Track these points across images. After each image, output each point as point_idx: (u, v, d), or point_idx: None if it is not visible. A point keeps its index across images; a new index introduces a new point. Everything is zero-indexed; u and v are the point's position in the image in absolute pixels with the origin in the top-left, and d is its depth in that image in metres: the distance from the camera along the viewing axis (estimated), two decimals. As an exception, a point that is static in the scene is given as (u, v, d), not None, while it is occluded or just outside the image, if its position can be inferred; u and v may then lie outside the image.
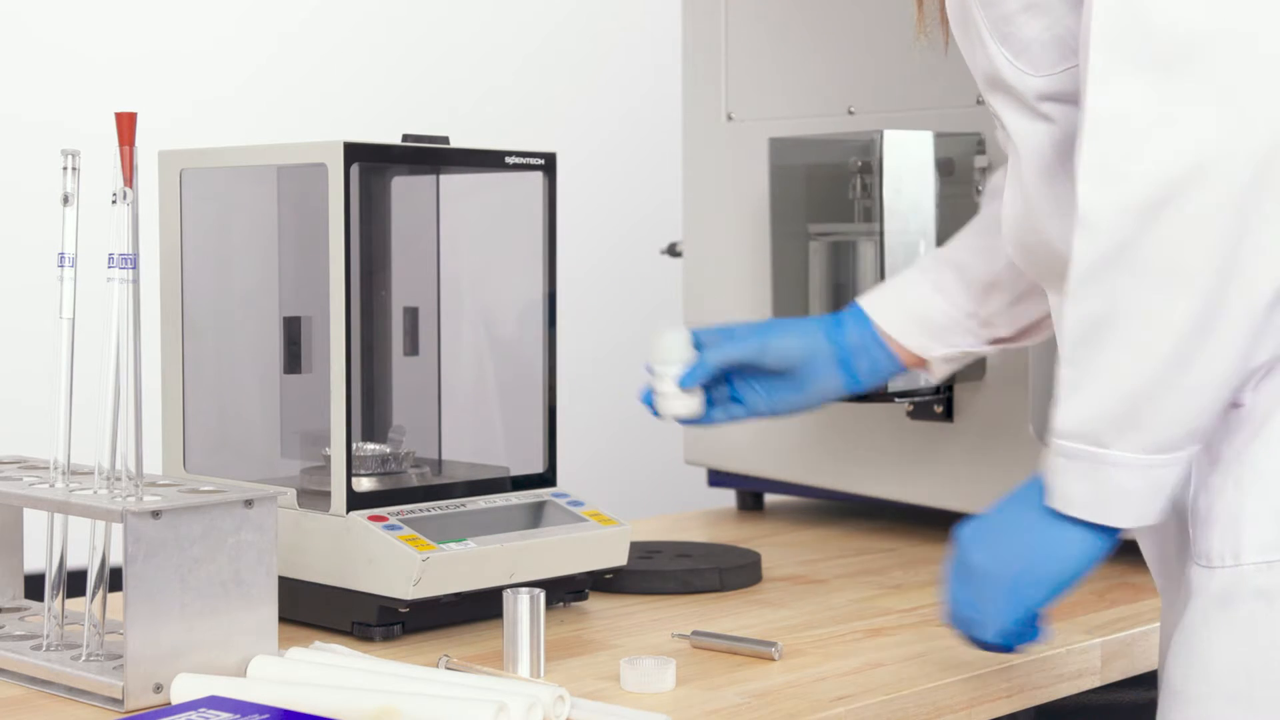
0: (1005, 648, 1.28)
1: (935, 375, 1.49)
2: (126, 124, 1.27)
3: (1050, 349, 1.32)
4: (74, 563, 1.34)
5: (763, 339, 1.48)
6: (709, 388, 1.49)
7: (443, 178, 1.65)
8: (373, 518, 1.43)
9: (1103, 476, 1.17)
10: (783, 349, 1.47)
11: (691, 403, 1.47)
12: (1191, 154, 1.08)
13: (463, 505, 1.50)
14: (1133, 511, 1.18)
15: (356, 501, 1.44)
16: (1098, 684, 1.48)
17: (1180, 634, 1.21)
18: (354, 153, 1.44)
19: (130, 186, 1.28)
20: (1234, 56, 1.08)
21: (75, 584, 1.34)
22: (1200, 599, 1.19)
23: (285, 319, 1.50)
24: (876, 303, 1.50)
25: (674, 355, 1.47)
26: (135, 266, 1.28)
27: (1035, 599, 1.24)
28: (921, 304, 1.48)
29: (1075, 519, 1.20)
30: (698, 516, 2.15)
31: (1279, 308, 1.13)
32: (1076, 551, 1.21)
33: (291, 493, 1.48)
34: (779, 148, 1.93)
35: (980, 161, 1.83)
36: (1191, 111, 1.08)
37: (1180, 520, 1.22)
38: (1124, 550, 1.63)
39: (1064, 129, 1.23)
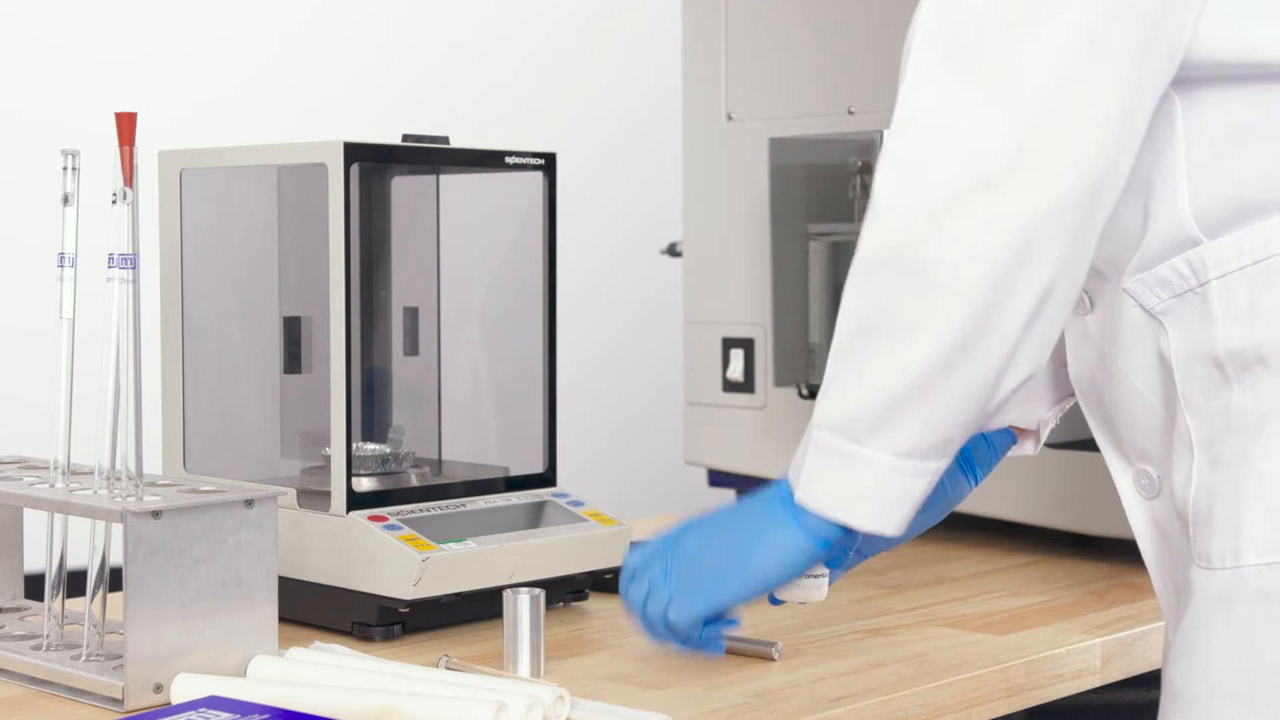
0: (686, 645, 1.26)
1: (1042, 440, 1.43)
2: (126, 124, 1.27)
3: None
4: (74, 563, 1.34)
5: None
6: None
7: (443, 178, 1.65)
8: (373, 518, 1.43)
9: (851, 472, 1.17)
10: None
11: (824, 586, 1.34)
12: (986, 168, 1.09)
13: (463, 505, 1.50)
14: (875, 514, 1.17)
15: (356, 501, 1.44)
16: (1098, 684, 1.48)
17: (1181, 635, 1.20)
18: (354, 153, 1.44)
19: (130, 186, 1.28)
20: (1037, 79, 1.09)
21: (75, 584, 1.34)
22: (1200, 600, 1.19)
23: (285, 319, 1.50)
24: None
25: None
26: (135, 266, 1.28)
27: (738, 593, 1.22)
28: None
29: (797, 520, 1.19)
30: (698, 516, 2.15)
31: (1037, 324, 1.14)
32: (792, 550, 1.21)
33: (291, 493, 1.48)
34: (779, 148, 1.93)
35: (980, 161, 1.83)
36: (992, 126, 1.09)
37: (1183, 522, 1.22)
38: (1124, 550, 1.63)
39: None
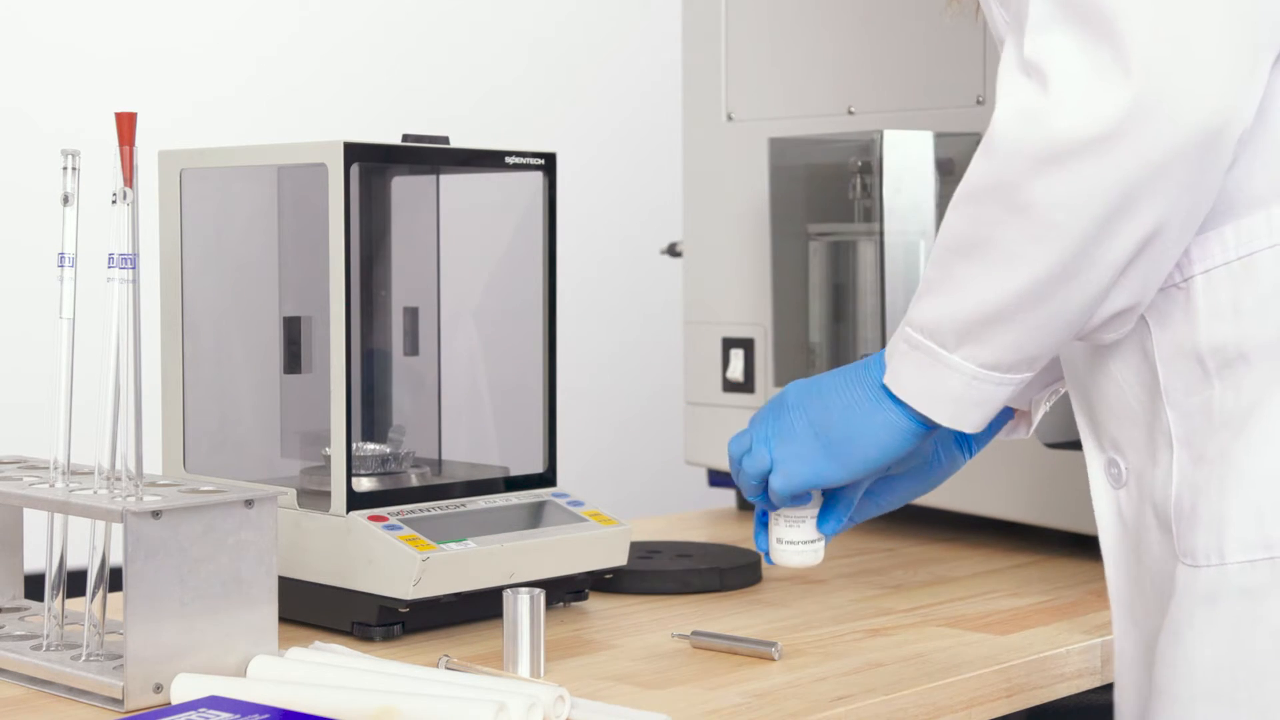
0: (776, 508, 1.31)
1: (1034, 421, 1.45)
2: (126, 124, 1.27)
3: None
4: (74, 563, 1.34)
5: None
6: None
7: (443, 178, 1.65)
8: (373, 518, 1.43)
9: (936, 375, 1.21)
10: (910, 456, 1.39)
11: (820, 550, 1.37)
12: (1103, 120, 1.10)
13: (463, 505, 1.50)
14: (952, 414, 1.22)
15: (356, 501, 1.44)
16: (1098, 684, 1.48)
17: (1166, 634, 1.21)
18: (354, 153, 1.44)
19: (130, 186, 1.28)
20: (1159, 37, 1.09)
21: (75, 584, 1.34)
22: (1186, 598, 1.19)
23: (285, 319, 1.50)
24: None
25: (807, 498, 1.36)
26: (135, 266, 1.28)
27: (848, 469, 1.27)
28: None
29: (899, 403, 1.24)
30: (698, 516, 2.15)
31: (1139, 263, 1.15)
32: (900, 431, 1.25)
33: (291, 493, 1.48)
34: (779, 148, 1.93)
35: (980, 161, 1.83)
36: (1115, 83, 1.09)
37: (1160, 518, 1.22)
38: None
39: None
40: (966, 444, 1.40)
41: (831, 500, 1.35)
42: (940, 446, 1.39)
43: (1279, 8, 1.11)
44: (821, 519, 1.35)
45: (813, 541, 1.36)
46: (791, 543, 1.36)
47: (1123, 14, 1.09)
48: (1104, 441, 1.28)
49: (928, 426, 1.25)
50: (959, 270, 1.19)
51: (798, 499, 1.32)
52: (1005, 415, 1.42)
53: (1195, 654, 1.18)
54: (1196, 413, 1.19)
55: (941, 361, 1.21)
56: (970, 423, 1.23)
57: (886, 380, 1.25)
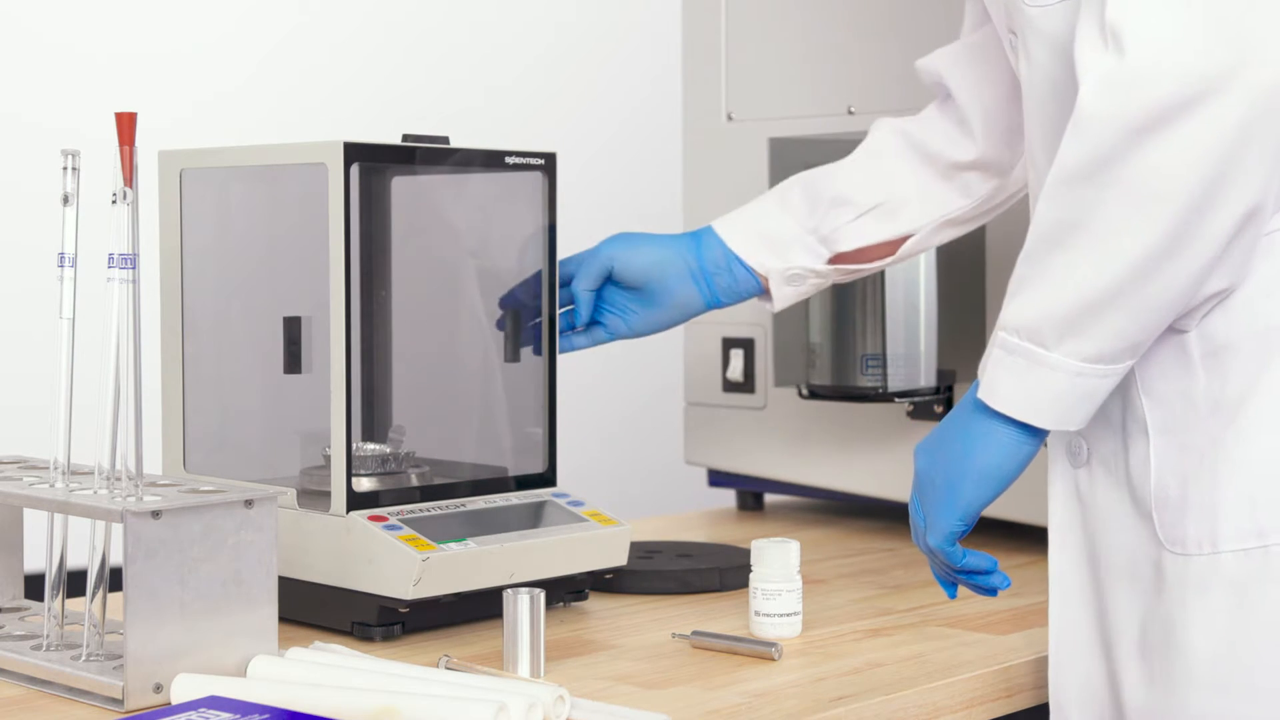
0: (961, 569, 1.31)
1: (776, 301, 1.51)
2: (126, 124, 1.27)
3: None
4: (74, 563, 1.34)
5: (618, 249, 1.51)
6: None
7: (443, 178, 1.65)
8: (373, 518, 1.43)
9: (1036, 376, 1.19)
10: (639, 261, 1.52)
11: (798, 623, 1.45)
12: (1197, 81, 1.09)
13: (463, 505, 1.50)
14: (1056, 415, 1.20)
15: (356, 501, 1.44)
16: (1098, 684, 1.48)
17: (1156, 623, 1.21)
18: (354, 153, 1.44)
19: (130, 186, 1.28)
20: None
21: (75, 584, 1.33)
22: (1177, 588, 1.19)
23: (285, 319, 1.50)
24: (727, 220, 1.55)
25: (779, 573, 1.44)
26: (135, 266, 1.28)
27: (971, 496, 1.26)
28: (764, 218, 1.52)
29: (1004, 416, 1.22)
30: (698, 516, 2.15)
31: (1239, 240, 1.14)
32: (1005, 446, 1.23)
33: (291, 493, 1.48)
34: (779, 148, 1.93)
35: (980, 161, 1.83)
36: (1203, 38, 1.09)
37: (1136, 503, 1.22)
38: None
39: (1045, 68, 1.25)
40: (707, 282, 1.44)
41: None
42: (676, 273, 1.44)
43: None
44: None
45: (790, 615, 1.44)
46: (768, 615, 1.44)
47: None
48: None
49: (1035, 433, 1.22)
50: (1056, 260, 1.16)
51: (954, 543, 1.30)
52: (754, 283, 1.49)
53: (1188, 643, 1.18)
54: (1177, 400, 1.19)
55: (1041, 362, 1.18)
56: (1075, 421, 1.20)
57: (981, 395, 1.22)
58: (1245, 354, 1.16)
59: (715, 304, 1.50)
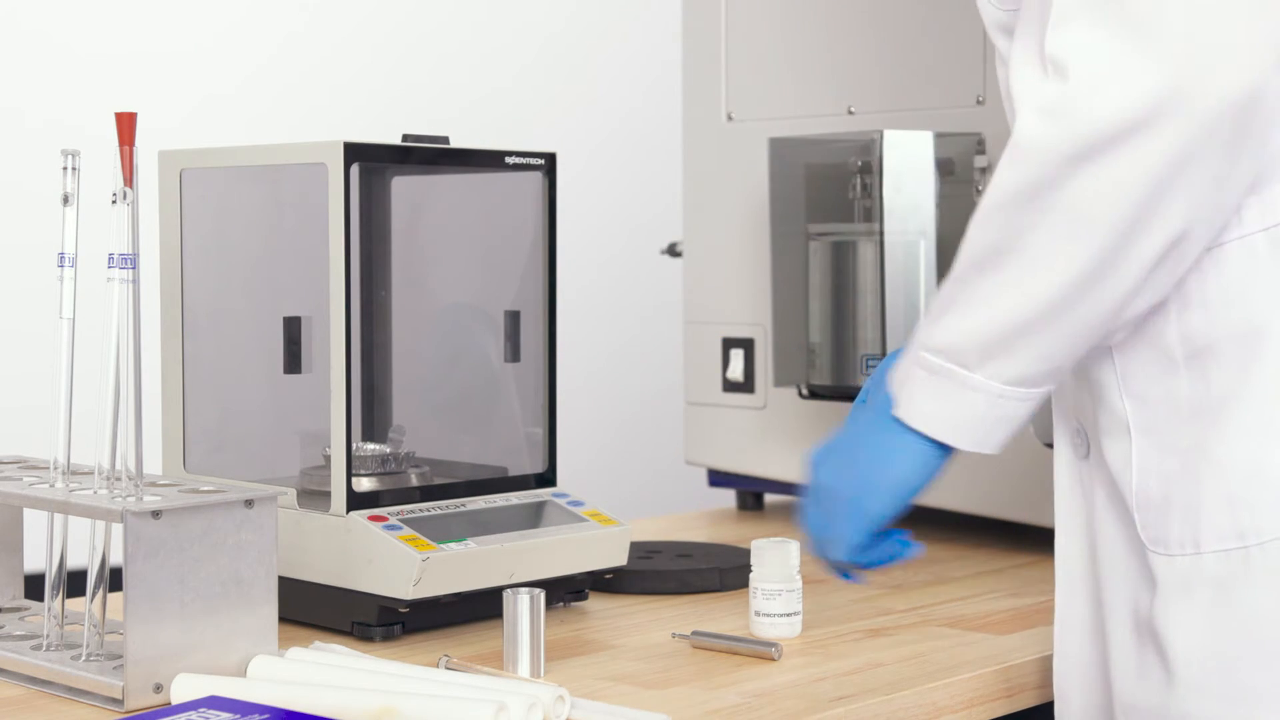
0: (867, 566, 1.30)
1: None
2: (126, 124, 1.27)
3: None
4: (74, 563, 1.34)
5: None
6: None
7: (443, 178, 1.65)
8: (373, 518, 1.43)
9: (958, 398, 1.20)
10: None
11: (797, 623, 1.45)
12: (1135, 111, 1.10)
13: (463, 505, 1.50)
14: (976, 437, 1.21)
15: (356, 501, 1.44)
16: (1098, 684, 1.48)
17: (1141, 623, 1.22)
18: (354, 153, 1.44)
19: (130, 186, 1.28)
20: (1187, 24, 1.09)
21: (75, 584, 1.34)
22: (1161, 588, 1.19)
23: (285, 319, 1.50)
24: None
25: (779, 573, 1.44)
26: (135, 266, 1.28)
27: (877, 510, 1.26)
28: None
29: (914, 432, 1.22)
30: (698, 516, 2.15)
31: (1165, 265, 1.15)
32: (915, 460, 1.24)
33: (291, 493, 1.48)
34: (779, 148, 1.93)
35: (980, 161, 1.83)
36: (1142, 69, 1.09)
37: (1116, 499, 1.23)
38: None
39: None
40: None
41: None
42: None
43: None
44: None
45: (790, 615, 1.44)
46: (768, 615, 1.44)
47: (1151, 3, 1.09)
48: (1068, 412, 1.29)
49: (947, 450, 1.24)
50: (985, 283, 1.17)
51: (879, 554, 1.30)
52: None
53: (1171, 643, 1.19)
54: (1160, 402, 1.20)
55: (963, 383, 1.19)
56: (991, 444, 1.22)
57: (898, 412, 1.23)
58: (1227, 356, 1.17)
59: None
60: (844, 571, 1.35)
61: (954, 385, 1.20)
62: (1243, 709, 1.16)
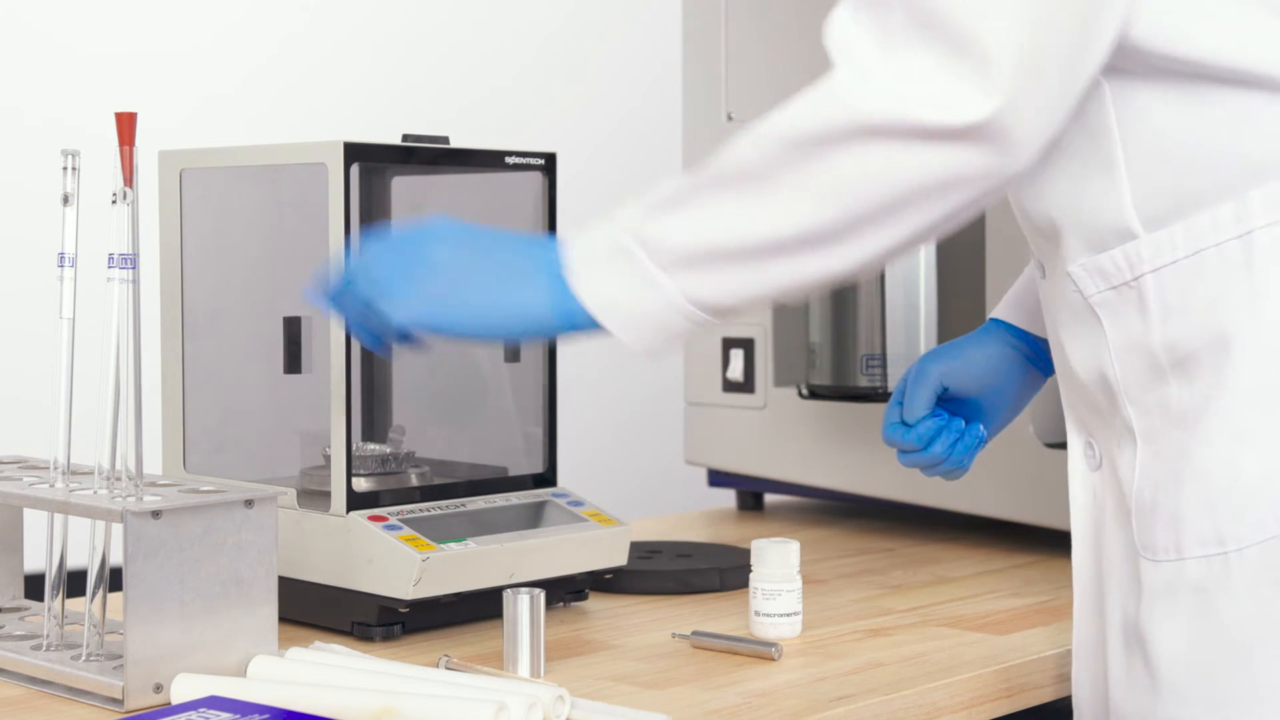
0: (371, 338, 1.27)
1: None
2: (126, 124, 1.27)
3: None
4: (74, 563, 1.34)
5: (946, 365, 1.44)
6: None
7: (443, 178, 1.65)
8: (373, 518, 1.43)
9: (638, 291, 1.17)
10: (973, 369, 1.45)
11: (797, 623, 1.45)
12: (955, 122, 1.10)
13: (463, 505, 1.50)
14: (635, 334, 1.18)
15: (356, 501, 1.44)
16: (1098, 684, 1.48)
17: (1129, 628, 1.22)
18: (354, 153, 1.44)
19: (130, 186, 1.28)
20: (1015, 59, 1.09)
21: (75, 584, 1.34)
22: (1147, 593, 1.20)
23: (285, 319, 1.50)
24: (1004, 308, 1.49)
25: (779, 573, 1.45)
26: (135, 266, 1.28)
27: (453, 327, 1.23)
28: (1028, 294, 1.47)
29: (554, 291, 1.19)
30: (698, 516, 2.15)
31: (889, 257, 1.16)
32: (533, 317, 1.21)
33: (291, 493, 1.48)
34: (779, 148, 1.93)
35: (980, 161, 1.83)
36: (983, 92, 1.09)
37: (1124, 509, 1.23)
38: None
39: None
40: (1039, 359, 1.42)
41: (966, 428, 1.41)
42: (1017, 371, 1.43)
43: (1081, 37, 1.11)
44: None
45: (790, 615, 1.44)
46: (768, 615, 1.44)
47: (986, 31, 1.09)
48: (1079, 423, 1.29)
49: (574, 326, 1.20)
50: (722, 197, 1.16)
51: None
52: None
53: (1155, 650, 1.19)
54: (1155, 409, 1.20)
55: (650, 279, 1.17)
56: (642, 345, 1.19)
57: (575, 280, 1.19)
58: (1205, 363, 1.17)
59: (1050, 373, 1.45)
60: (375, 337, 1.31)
61: (640, 279, 1.17)
62: (1223, 715, 1.16)
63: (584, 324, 1.20)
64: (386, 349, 1.31)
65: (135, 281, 1.28)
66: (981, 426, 1.44)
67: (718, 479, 2.15)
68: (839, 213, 1.13)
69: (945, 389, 1.43)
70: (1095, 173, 1.19)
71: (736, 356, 2.07)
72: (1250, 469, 1.15)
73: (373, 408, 1.61)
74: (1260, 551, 1.14)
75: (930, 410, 1.43)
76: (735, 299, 1.18)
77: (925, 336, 1.85)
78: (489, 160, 1.56)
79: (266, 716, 1.15)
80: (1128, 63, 1.15)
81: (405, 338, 1.27)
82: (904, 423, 1.43)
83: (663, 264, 1.17)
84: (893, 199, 1.12)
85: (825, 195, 1.13)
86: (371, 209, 1.59)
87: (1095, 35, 1.12)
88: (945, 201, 1.13)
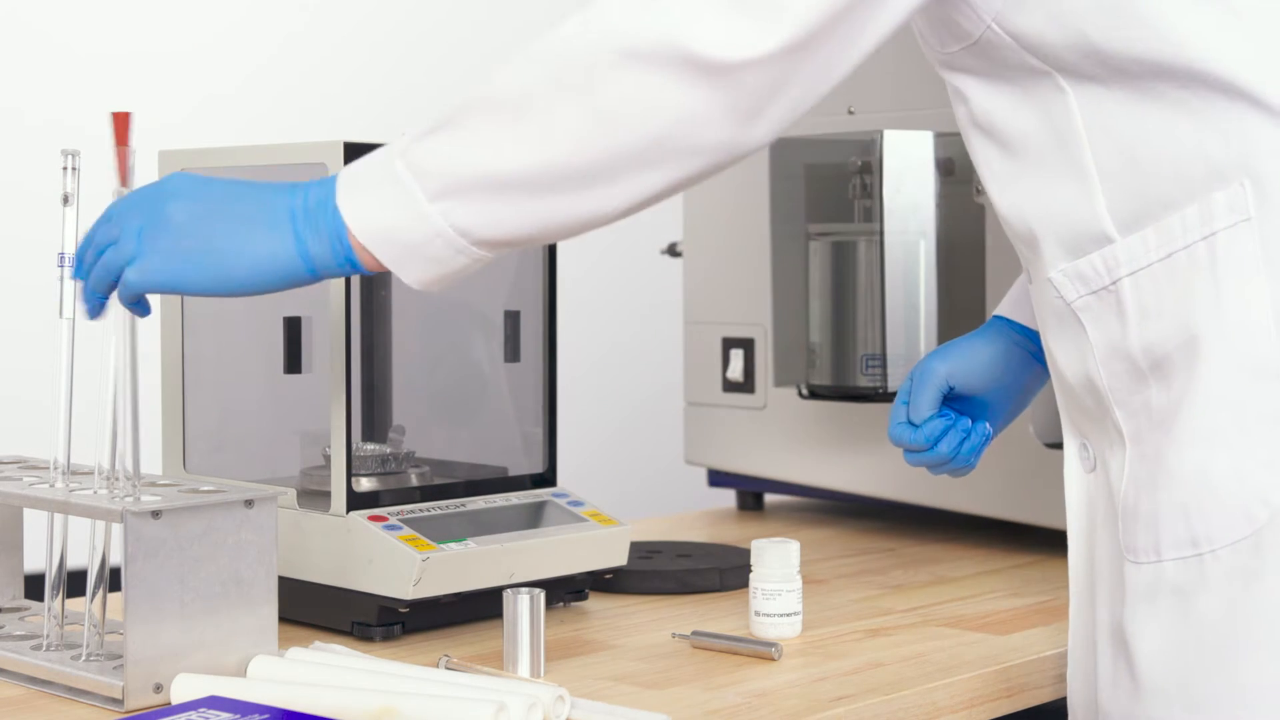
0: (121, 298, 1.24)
1: None
2: (121, 124, 1.27)
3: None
4: (74, 563, 1.34)
5: (950, 363, 1.44)
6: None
7: (443, 178, 1.64)
8: (373, 518, 1.43)
9: (401, 218, 1.15)
10: (977, 366, 1.44)
11: (798, 623, 1.45)
12: (737, 55, 1.08)
13: (463, 505, 1.50)
14: (395, 255, 1.16)
15: (356, 501, 1.44)
16: (1098, 684, 1.48)
17: (1115, 630, 1.22)
18: (354, 153, 1.43)
19: (127, 186, 1.28)
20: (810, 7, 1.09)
21: (75, 584, 1.34)
22: (1131, 595, 1.20)
23: (285, 319, 1.50)
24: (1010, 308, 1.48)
25: (779, 573, 1.45)
26: (135, 266, 1.28)
27: (202, 284, 1.19)
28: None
29: (302, 236, 1.17)
30: (698, 516, 2.15)
31: (645, 204, 1.15)
32: (281, 262, 1.19)
33: (291, 493, 1.48)
34: (779, 148, 1.93)
35: (980, 161, 1.83)
36: (773, 34, 1.08)
37: (1111, 515, 1.23)
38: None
39: (970, 104, 1.27)
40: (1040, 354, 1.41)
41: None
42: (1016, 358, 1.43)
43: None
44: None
45: (790, 615, 1.44)
46: (768, 615, 1.44)
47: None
48: (1073, 426, 1.29)
49: (327, 268, 1.18)
50: (488, 122, 1.13)
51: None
52: None
53: (1136, 651, 1.19)
54: (1140, 412, 1.20)
55: (414, 206, 1.14)
56: (409, 273, 1.17)
57: (343, 205, 1.16)
58: (1178, 365, 1.17)
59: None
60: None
61: (406, 204, 1.14)
62: (1202, 716, 1.16)
63: (340, 265, 1.17)
64: (100, 310, 1.25)
65: (135, 281, 1.28)
66: (987, 424, 1.44)
67: (718, 479, 2.15)
68: (612, 145, 1.11)
69: (951, 388, 1.43)
70: (1067, 179, 1.19)
71: (736, 356, 2.07)
72: (1220, 470, 1.15)
73: (373, 408, 1.61)
74: (1232, 552, 1.14)
75: (936, 410, 1.43)
76: (501, 232, 1.15)
77: (925, 336, 1.85)
78: (489, 160, 1.55)
79: (266, 716, 1.15)
80: (1091, 67, 1.16)
81: (137, 303, 1.23)
82: (910, 422, 1.43)
83: (428, 190, 1.14)
84: (660, 136, 1.10)
85: (596, 125, 1.11)
86: (371, 209, 1.59)
87: (881, 20, 1.12)
88: (723, 147, 1.12)
